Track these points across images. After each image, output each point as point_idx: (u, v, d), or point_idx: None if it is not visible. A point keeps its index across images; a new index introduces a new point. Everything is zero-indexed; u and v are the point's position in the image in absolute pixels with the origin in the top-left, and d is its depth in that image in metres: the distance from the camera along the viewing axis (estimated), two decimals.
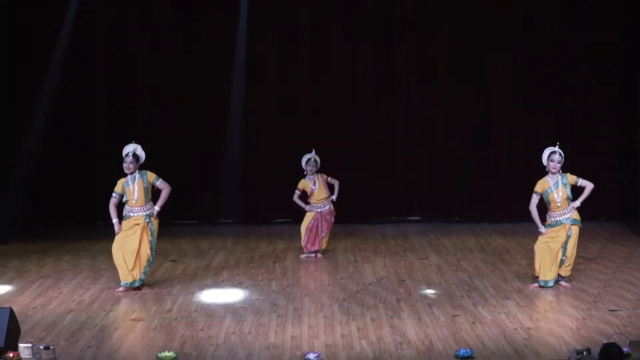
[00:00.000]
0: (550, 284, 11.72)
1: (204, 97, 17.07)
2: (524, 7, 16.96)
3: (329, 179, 14.07)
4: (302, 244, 14.07)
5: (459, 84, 17.16)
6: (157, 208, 11.87)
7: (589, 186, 11.75)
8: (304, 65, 17.21)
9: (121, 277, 11.82)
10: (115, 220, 11.83)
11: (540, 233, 11.79)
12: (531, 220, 12.01)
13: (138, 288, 11.84)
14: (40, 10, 16.62)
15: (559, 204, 11.65)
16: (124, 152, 11.86)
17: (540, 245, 11.75)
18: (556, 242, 11.67)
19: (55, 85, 16.70)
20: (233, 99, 17.13)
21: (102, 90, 17.00)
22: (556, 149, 11.69)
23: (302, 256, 14.09)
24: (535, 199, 11.75)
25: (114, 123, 16.89)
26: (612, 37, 16.77)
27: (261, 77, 17.16)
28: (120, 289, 11.82)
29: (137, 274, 11.79)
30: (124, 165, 11.79)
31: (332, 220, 14.12)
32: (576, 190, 11.80)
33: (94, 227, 16.55)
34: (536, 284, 11.82)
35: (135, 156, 11.80)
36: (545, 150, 11.79)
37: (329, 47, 17.15)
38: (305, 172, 13.98)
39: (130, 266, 11.73)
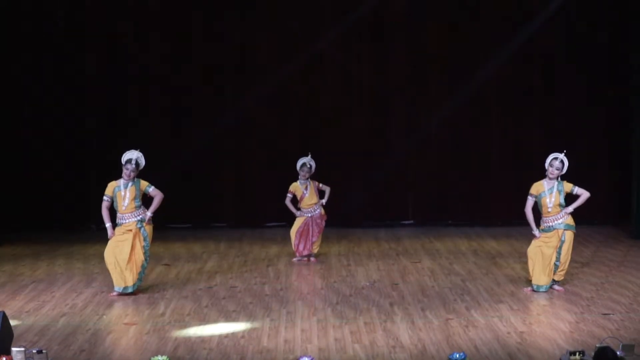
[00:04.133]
0: (543, 289, 11.71)
1: (197, 101, 17.07)
2: (516, 11, 17.02)
3: (321, 185, 14.06)
4: (293, 248, 14.07)
5: (452, 88, 17.18)
6: (149, 214, 11.83)
7: (584, 195, 11.71)
8: (299, 69, 17.21)
9: (115, 283, 11.79)
10: (108, 225, 11.77)
11: (534, 237, 11.80)
12: (524, 223, 12.03)
13: (132, 293, 11.81)
14: (35, 13, 16.63)
15: (550, 209, 11.65)
16: (125, 158, 11.74)
17: (533, 250, 11.76)
18: (549, 247, 11.67)
19: (48, 89, 16.73)
20: (227, 103, 17.15)
21: (95, 94, 16.99)
22: (559, 155, 11.64)
23: (294, 259, 14.09)
24: (530, 202, 11.76)
25: (107, 126, 16.89)
26: (603, 38, 16.83)
27: (256, 81, 17.15)
28: (114, 293, 11.80)
29: (131, 280, 11.75)
30: (125, 172, 11.70)
31: (323, 224, 14.11)
32: (572, 198, 11.79)
33: (86, 230, 16.52)
34: (530, 288, 11.83)
35: (137, 164, 11.74)
36: (550, 155, 11.75)
37: (324, 51, 17.15)
38: (299, 176, 13.98)
39: (123, 272, 11.68)
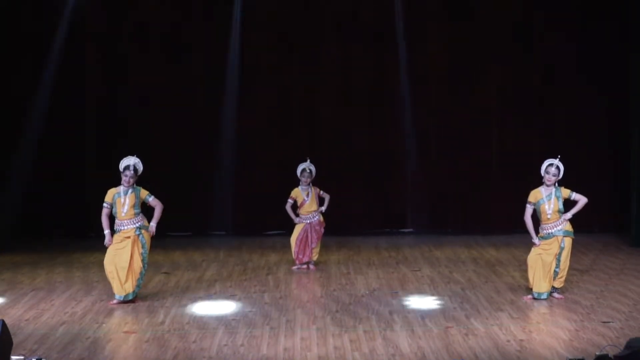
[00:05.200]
0: (544, 296, 11.71)
1: (195, 108, 17.09)
2: (514, 19, 17.06)
3: (321, 192, 14.07)
4: (293, 256, 14.07)
5: (452, 96, 17.20)
6: (153, 224, 11.83)
7: (582, 200, 11.72)
8: (297, 76, 17.24)
9: (115, 291, 11.78)
10: (107, 232, 11.76)
11: (533, 244, 11.79)
12: (524, 231, 12.03)
13: (132, 301, 11.82)
14: (33, 20, 16.66)
15: (549, 216, 11.65)
16: (123, 164, 11.75)
17: (533, 257, 11.76)
18: (549, 255, 11.67)
19: (46, 98, 16.75)
20: (225, 110, 17.15)
21: (93, 102, 17.02)
22: (555, 161, 11.64)
23: (294, 267, 14.09)
24: (529, 210, 11.75)
25: (105, 134, 16.90)
26: (604, 39, 16.85)
27: (254, 88, 17.18)
28: (114, 301, 11.80)
29: (131, 287, 11.76)
30: (124, 178, 11.71)
31: (322, 231, 14.11)
32: (570, 204, 11.80)
33: (86, 239, 16.51)
34: (530, 296, 11.83)
35: (135, 170, 11.75)
36: (545, 162, 11.76)
37: (322, 58, 17.18)
38: (299, 182, 13.98)
39: (124, 280, 11.70)
